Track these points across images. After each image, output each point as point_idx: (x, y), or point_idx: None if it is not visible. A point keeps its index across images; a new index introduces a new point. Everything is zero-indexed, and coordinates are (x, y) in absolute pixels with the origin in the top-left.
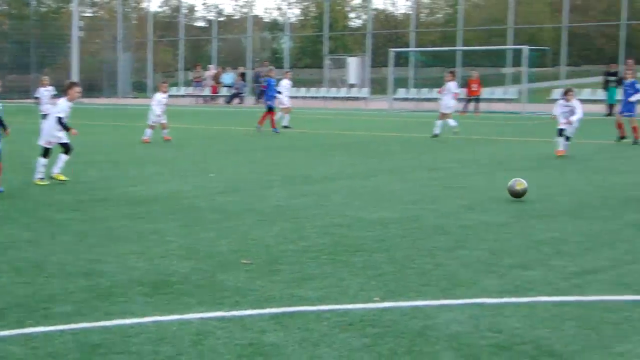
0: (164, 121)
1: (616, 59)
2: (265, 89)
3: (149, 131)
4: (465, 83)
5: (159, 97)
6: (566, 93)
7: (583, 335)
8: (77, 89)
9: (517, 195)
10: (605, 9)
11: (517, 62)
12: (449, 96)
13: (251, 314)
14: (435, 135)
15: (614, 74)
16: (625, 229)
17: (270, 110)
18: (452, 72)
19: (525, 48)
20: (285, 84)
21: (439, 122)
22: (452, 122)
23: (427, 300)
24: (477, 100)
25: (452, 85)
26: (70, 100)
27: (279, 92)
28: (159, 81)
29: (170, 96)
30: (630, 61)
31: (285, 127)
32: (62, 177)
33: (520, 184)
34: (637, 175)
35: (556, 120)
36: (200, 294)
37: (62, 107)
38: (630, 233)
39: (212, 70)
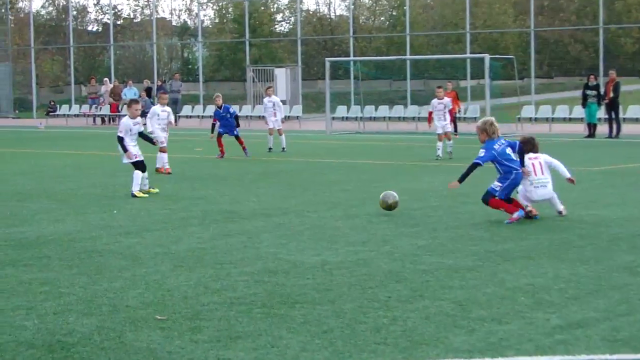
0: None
1: (596, 69)
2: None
3: (164, 156)
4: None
5: (158, 111)
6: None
7: None
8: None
9: (389, 208)
10: (578, 10)
11: (477, 74)
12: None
13: None
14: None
15: (595, 87)
16: (616, 273)
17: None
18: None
19: (486, 57)
20: (265, 102)
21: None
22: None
23: None
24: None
25: (448, 101)
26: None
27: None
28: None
29: (61, 116)
30: (612, 72)
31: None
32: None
33: (391, 197)
34: (628, 208)
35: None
36: (106, 357)
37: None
38: (623, 278)
39: (109, 84)
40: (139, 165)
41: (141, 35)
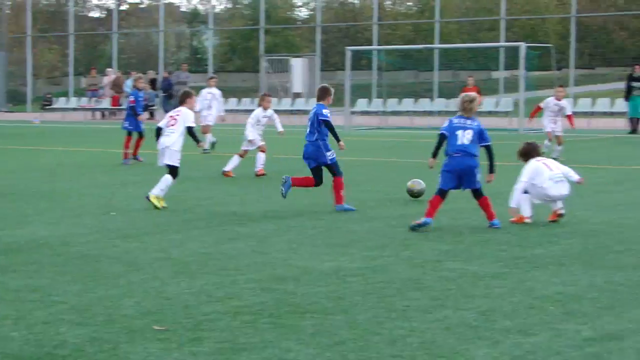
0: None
1: None
2: (133, 105)
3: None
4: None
5: (259, 115)
6: None
7: None
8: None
9: (416, 195)
10: None
11: (511, 64)
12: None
13: None
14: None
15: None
16: None
17: (140, 134)
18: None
19: (522, 45)
20: (204, 93)
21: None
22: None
23: None
24: None
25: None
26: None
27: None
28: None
29: (58, 109)
30: None
31: (206, 151)
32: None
33: (417, 184)
34: None
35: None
36: None
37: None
38: None
39: (111, 75)
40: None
41: (147, 22)
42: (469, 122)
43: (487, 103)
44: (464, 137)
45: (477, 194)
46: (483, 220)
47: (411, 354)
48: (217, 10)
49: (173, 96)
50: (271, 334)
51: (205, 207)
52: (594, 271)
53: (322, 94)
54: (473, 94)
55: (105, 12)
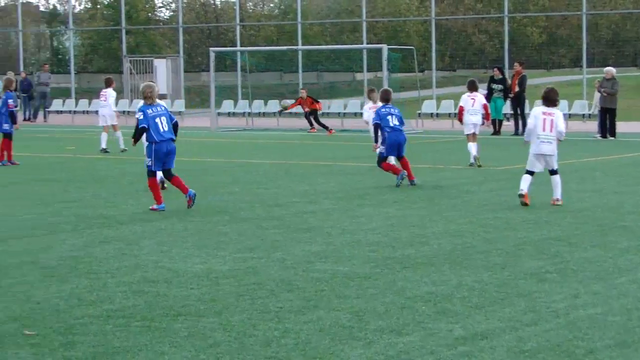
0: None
1: (501, 61)
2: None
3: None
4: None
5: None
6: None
7: None
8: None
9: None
10: None
11: (374, 66)
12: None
13: None
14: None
15: (501, 81)
16: (522, 280)
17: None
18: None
19: (384, 47)
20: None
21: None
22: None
23: None
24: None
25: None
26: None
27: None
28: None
29: None
30: (517, 65)
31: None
32: None
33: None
34: (535, 210)
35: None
36: None
37: None
38: (529, 285)
39: None
40: None
41: (5, 22)
42: (159, 108)
43: (352, 104)
44: (163, 124)
45: (170, 174)
46: (352, 220)
47: (286, 355)
48: (76, 10)
49: (34, 97)
50: (144, 337)
51: (72, 209)
52: (463, 271)
53: (389, 95)
54: (150, 83)
55: None
